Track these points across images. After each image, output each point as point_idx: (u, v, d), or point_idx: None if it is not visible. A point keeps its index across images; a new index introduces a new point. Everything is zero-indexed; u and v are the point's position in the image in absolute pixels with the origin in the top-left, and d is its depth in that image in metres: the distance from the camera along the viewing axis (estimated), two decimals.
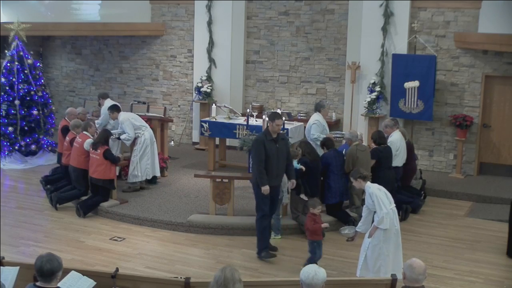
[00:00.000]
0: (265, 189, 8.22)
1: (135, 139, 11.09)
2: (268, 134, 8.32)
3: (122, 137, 11.05)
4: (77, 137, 10.59)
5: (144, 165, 11.04)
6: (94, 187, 10.34)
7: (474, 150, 12.66)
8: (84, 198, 10.44)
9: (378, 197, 7.35)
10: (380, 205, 7.31)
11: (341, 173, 9.64)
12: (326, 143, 9.83)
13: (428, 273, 6.51)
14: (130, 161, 11.11)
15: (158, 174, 11.36)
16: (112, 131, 11.02)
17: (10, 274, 5.38)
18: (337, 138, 11.11)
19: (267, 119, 8.93)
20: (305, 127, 12.79)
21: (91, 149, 10.21)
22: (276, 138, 8.31)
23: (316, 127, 10.74)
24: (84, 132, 10.54)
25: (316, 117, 10.83)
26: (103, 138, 10.28)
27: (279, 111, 12.04)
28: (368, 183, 7.58)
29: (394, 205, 7.56)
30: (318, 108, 10.98)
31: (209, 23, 14.44)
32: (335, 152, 9.78)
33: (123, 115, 11.13)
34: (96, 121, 11.78)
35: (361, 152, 9.79)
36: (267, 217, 8.55)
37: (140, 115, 11.95)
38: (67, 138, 10.95)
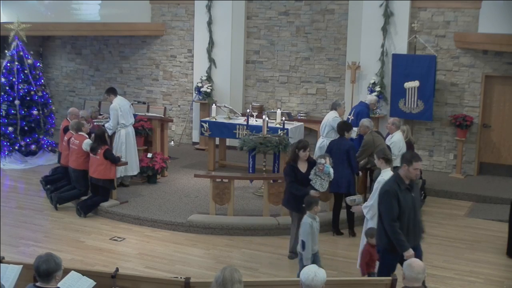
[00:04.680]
0: (411, 254, 6.41)
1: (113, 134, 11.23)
2: (401, 181, 6.49)
3: (106, 124, 11.17)
4: (73, 138, 10.54)
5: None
6: (94, 187, 10.34)
7: (474, 150, 12.66)
8: (84, 198, 10.43)
9: (377, 189, 7.34)
10: (373, 196, 7.39)
11: (339, 162, 9.17)
12: (347, 128, 9.58)
13: (428, 273, 6.51)
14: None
15: (132, 173, 11.30)
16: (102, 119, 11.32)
17: (12, 272, 5.38)
18: None
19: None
20: (305, 127, 12.83)
21: (91, 153, 10.19)
22: (410, 185, 6.54)
23: (337, 121, 10.59)
24: (80, 133, 10.52)
25: (334, 114, 10.86)
26: (100, 138, 10.24)
27: (279, 111, 12.07)
28: (387, 169, 7.48)
29: None
30: (335, 107, 11.05)
31: (209, 23, 14.44)
32: (340, 140, 9.52)
33: (115, 102, 11.20)
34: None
35: (376, 136, 9.91)
36: None
37: (140, 115, 11.95)
38: (65, 138, 10.94)
